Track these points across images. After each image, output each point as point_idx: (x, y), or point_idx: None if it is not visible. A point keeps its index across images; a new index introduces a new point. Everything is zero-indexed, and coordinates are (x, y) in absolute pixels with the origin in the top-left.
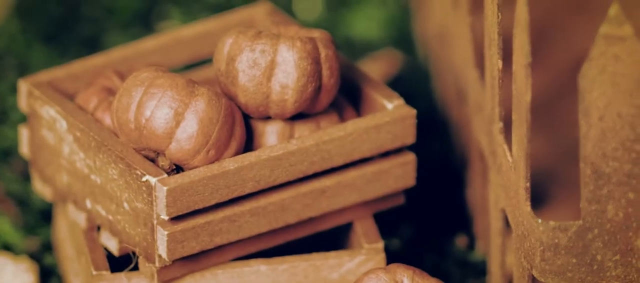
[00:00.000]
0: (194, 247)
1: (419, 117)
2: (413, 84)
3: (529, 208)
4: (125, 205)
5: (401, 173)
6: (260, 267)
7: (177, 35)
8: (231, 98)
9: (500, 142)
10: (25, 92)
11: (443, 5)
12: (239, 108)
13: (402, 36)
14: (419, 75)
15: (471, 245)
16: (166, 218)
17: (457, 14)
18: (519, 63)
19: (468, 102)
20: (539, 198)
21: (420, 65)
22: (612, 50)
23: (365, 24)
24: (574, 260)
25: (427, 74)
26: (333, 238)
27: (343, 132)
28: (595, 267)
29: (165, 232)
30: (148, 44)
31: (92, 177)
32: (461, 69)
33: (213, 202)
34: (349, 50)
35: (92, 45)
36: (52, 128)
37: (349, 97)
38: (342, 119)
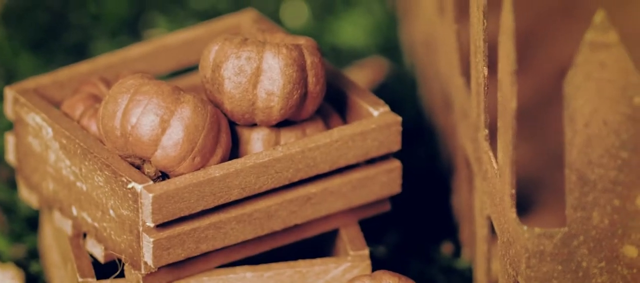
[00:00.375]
0: (179, 254)
1: (405, 124)
2: (399, 91)
3: (514, 215)
4: (111, 212)
5: (387, 180)
6: (246, 274)
7: (163, 43)
8: (217, 105)
9: (486, 148)
10: (11, 99)
11: (429, 13)
12: (225, 115)
13: (388, 43)
14: (405, 83)
15: (457, 252)
16: (152, 225)
17: (443, 22)
18: (504, 70)
19: (454, 109)
20: (524, 205)
21: (406, 73)
22: (597, 56)
23: (352, 31)
24: (560, 267)
25: (414, 81)
26: (319, 245)
27: (329, 139)
28: (580, 274)
29: (151, 239)
30: (134, 51)
31: (78, 184)
32: (447, 76)
33: (199, 209)
34: (336, 58)
35: (79, 53)
36: (38, 135)
37: (334, 104)
38: (328, 125)
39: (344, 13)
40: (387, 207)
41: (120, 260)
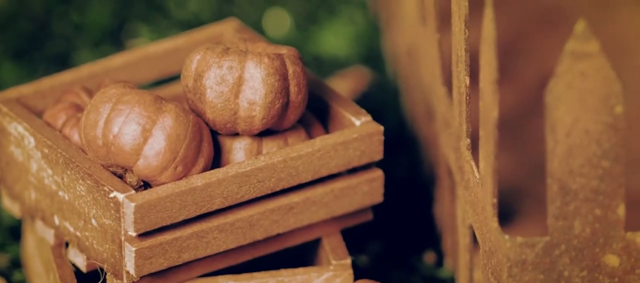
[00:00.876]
0: (161, 264)
1: (387, 133)
2: (382, 101)
3: (496, 225)
4: (93, 221)
5: (369, 189)
6: None
7: (145, 52)
8: (199, 114)
9: (468, 158)
10: None
11: (411, 23)
12: (207, 124)
13: (370, 53)
14: (388, 92)
15: (439, 262)
16: (134, 234)
17: (425, 32)
18: (486, 80)
19: (436, 119)
20: (506, 214)
21: (388, 82)
22: (578, 66)
23: (334, 41)
24: (541, 277)
25: (396, 91)
26: (301, 255)
27: (311, 149)
28: None
29: (133, 248)
30: (116, 60)
31: (60, 193)
32: (429, 86)
33: (181, 219)
34: (318, 67)
35: (62, 63)
36: (20, 145)
37: (317, 113)
38: (310, 135)
39: (327, 23)
40: (369, 217)
41: (102, 270)
